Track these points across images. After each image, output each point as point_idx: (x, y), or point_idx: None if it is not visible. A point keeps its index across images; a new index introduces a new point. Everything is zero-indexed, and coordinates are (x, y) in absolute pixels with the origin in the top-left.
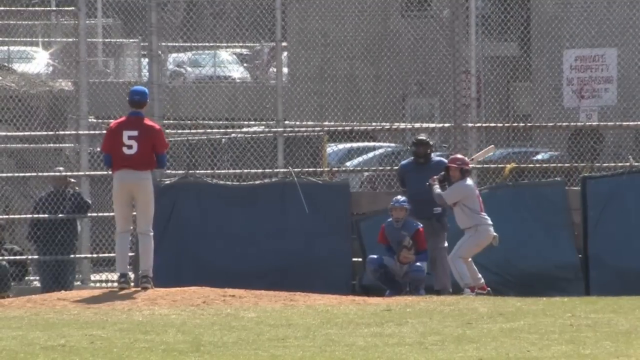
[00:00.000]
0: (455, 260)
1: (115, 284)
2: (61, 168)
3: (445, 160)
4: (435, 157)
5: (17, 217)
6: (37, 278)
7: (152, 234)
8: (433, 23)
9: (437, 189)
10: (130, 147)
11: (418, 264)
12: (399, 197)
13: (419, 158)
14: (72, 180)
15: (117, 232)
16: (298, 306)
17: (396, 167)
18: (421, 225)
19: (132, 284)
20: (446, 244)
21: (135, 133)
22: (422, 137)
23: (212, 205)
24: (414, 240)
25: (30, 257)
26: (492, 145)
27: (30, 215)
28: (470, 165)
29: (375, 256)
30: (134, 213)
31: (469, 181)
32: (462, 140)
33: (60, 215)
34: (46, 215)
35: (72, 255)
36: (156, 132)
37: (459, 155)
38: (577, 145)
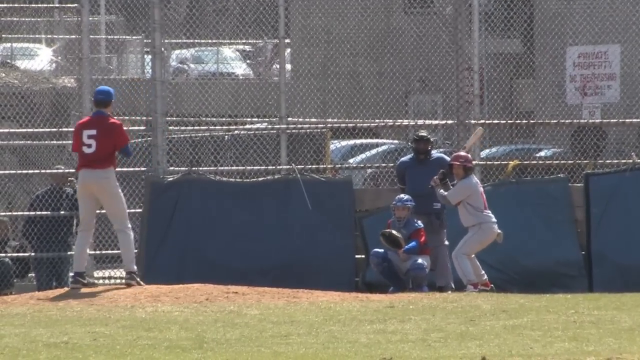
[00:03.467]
0: (458, 257)
1: (118, 281)
2: (61, 166)
3: (445, 157)
4: (435, 153)
5: (19, 214)
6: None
7: (129, 228)
8: (436, 20)
9: (440, 189)
10: (89, 146)
11: (419, 261)
12: (402, 196)
13: (419, 154)
14: (72, 178)
15: (79, 230)
16: (301, 303)
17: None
18: (422, 226)
19: (90, 281)
20: (447, 242)
21: (94, 132)
22: (423, 133)
23: (215, 202)
24: (413, 238)
25: (33, 254)
26: (480, 128)
27: (32, 213)
28: (474, 162)
29: (379, 250)
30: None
31: (473, 179)
32: (465, 137)
33: (62, 212)
34: (47, 213)
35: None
36: (115, 127)
37: (462, 153)
38: (580, 142)
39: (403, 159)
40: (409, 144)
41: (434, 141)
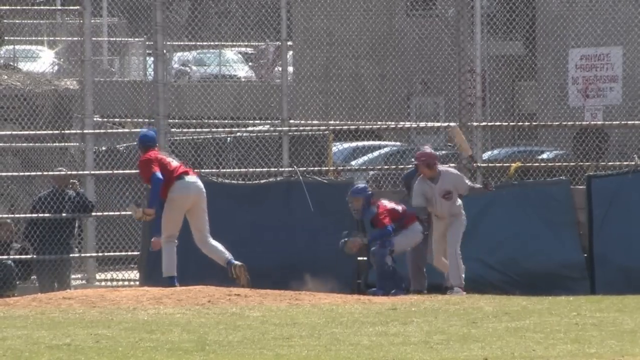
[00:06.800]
0: (459, 256)
1: (120, 283)
2: (63, 168)
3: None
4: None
5: (22, 216)
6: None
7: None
8: (438, 22)
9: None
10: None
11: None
12: (357, 186)
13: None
14: (74, 180)
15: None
16: (303, 305)
17: (401, 167)
18: (377, 210)
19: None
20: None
21: (166, 154)
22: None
23: (217, 204)
24: (373, 224)
25: (35, 256)
26: (453, 125)
27: (34, 215)
28: (476, 164)
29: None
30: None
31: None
32: (467, 138)
33: (63, 214)
34: (49, 215)
35: (77, 254)
36: None
37: (427, 149)
38: (582, 144)
39: (408, 172)
40: (413, 160)
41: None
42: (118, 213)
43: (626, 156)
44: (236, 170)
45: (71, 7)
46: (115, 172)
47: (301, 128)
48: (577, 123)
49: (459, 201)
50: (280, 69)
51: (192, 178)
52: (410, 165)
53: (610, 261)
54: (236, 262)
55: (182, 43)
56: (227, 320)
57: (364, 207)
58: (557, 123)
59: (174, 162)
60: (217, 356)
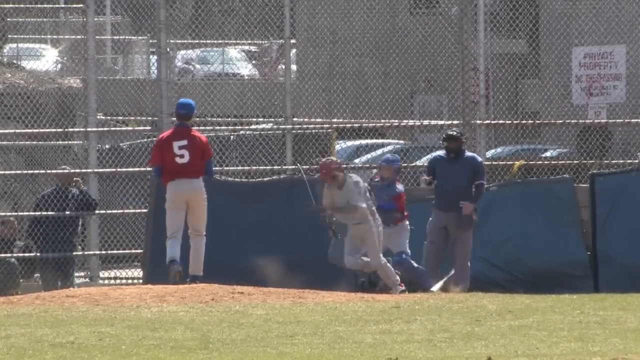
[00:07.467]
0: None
1: (124, 281)
2: (66, 167)
3: (477, 156)
4: (468, 152)
5: (25, 214)
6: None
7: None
8: (441, 20)
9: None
10: (182, 156)
11: (401, 254)
12: (389, 155)
13: (449, 153)
14: (77, 178)
15: (168, 238)
16: (306, 303)
17: (405, 165)
18: (403, 190)
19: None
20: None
21: (184, 143)
22: (452, 132)
23: (220, 202)
24: (392, 200)
25: (38, 254)
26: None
27: (38, 213)
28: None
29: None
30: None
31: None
32: (471, 137)
33: (67, 212)
34: (52, 213)
35: (81, 252)
36: (204, 141)
37: (329, 160)
38: (586, 143)
39: (436, 154)
40: (441, 142)
41: (464, 140)
42: (121, 211)
43: (630, 154)
44: (239, 168)
45: (74, 6)
46: (119, 170)
47: (304, 126)
48: (580, 121)
49: (365, 207)
50: (283, 67)
51: (184, 180)
52: (437, 153)
53: (613, 259)
54: (194, 282)
55: (185, 41)
56: (230, 318)
57: (391, 180)
58: (560, 121)
59: (182, 159)
60: (221, 354)
